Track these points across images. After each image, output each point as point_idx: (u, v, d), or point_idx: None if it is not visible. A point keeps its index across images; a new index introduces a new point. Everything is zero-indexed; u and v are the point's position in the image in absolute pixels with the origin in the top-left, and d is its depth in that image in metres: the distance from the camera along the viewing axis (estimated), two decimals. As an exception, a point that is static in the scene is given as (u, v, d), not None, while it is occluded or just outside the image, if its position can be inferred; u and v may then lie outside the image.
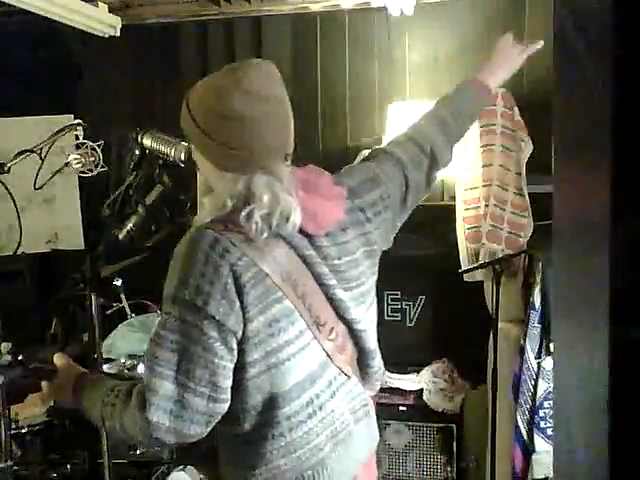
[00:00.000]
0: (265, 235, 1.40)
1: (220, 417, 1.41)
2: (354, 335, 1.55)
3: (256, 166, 1.43)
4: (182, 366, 1.35)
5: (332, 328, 1.50)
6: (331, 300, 1.50)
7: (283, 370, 1.42)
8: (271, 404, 1.43)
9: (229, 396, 1.40)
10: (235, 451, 1.50)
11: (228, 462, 1.54)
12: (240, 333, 1.37)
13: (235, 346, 1.38)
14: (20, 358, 1.69)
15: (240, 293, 1.36)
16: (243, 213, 1.40)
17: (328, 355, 1.49)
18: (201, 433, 1.40)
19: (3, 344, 1.73)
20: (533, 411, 2.67)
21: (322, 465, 1.48)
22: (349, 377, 1.54)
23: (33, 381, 1.68)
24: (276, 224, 1.41)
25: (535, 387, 2.67)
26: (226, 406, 1.40)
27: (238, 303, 1.36)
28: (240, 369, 1.40)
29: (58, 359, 1.64)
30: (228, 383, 1.39)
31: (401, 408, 3.20)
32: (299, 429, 1.45)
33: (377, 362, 1.60)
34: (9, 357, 1.69)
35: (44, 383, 1.64)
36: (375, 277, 1.65)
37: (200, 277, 1.35)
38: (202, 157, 1.48)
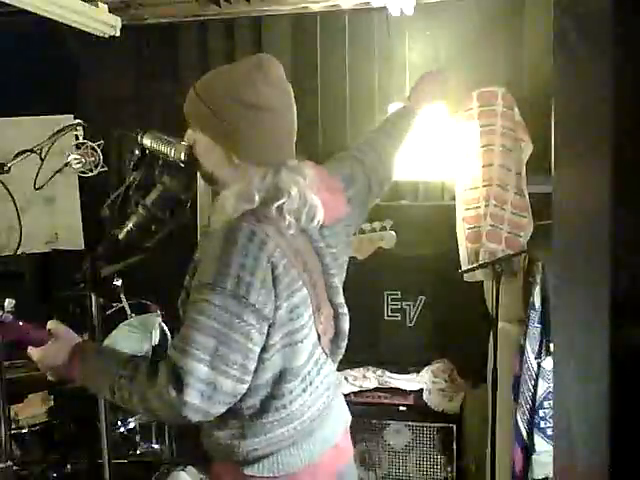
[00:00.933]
0: (293, 230, 1.50)
1: (239, 396, 1.47)
2: (337, 318, 1.66)
3: (277, 155, 1.53)
4: (219, 351, 1.40)
5: (323, 313, 1.61)
6: (329, 287, 1.62)
7: (295, 350, 1.53)
8: (280, 379, 1.53)
9: (251, 377, 1.47)
10: (236, 423, 1.56)
11: (225, 436, 1.57)
12: (271, 319, 1.46)
13: (266, 331, 1.46)
14: (21, 323, 1.65)
15: (275, 283, 1.45)
16: (274, 206, 1.48)
17: (319, 337, 1.60)
18: (220, 412, 1.45)
19: (7, 300, 1.71)
20: (533, 411, 2.67)
21: (310, 434, 1.60)
22: (327, 356, 1.66)
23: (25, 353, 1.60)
24: (304, 221, 1.52)
25: (535, 387, 2.66)
26: (247, 386, 1.47)
27: (273, 291, 1.45)
28: (262, 350, 1.48)
29: (52, 324, 1.63)
30: (254, 366, 1.46)
31: (401, 408, 3.19)
32: (296, 402, 1.56)
33: (345, 344, 1.71)
34: (10, 316, 1.65)
35: (32, 350, 1.59)
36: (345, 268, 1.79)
37: (241, 268, 1.41)
38: (218, 148, 1.53)
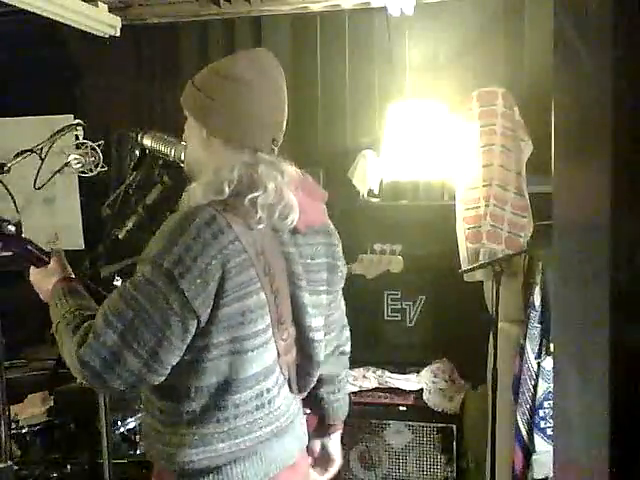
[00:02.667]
0: (262, 226, 1.43)
1: (146, 384, 1.42)
2: (305, 342, 1.56)
3: (247, 138, 1.47)
4: (133, 324, 1.36)
5: (286, 329, 1.52)
6: (295, 302, 1.52)
7: (245, 359, 1.44)
8: (225, 388, 1.44)
9: (166, 372, 1.40)
10: (175, 430, 1.47)
11: (162, 441, 1.49)
12: (205, 316, 1.38)
13: (192, 329, 1.38)
14: (23, 236, 1.70)
15: (224, 278, 1.37)
16: (247, 199, 1.42)
17: (279, 354, 1.51)
18: (122, 390, 1.40)
19: (11, 216, 1.76)
20: (533, 411, 2.67)
21: (256, 453, 1.50)
22: (285, 378, 1.56)
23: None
24: (276, 219, 1.45)
25: (535, 387, 2.66)
26: (158, 380, 1.40)
27: (212, 285, 1.36)
28: (203, 348, 1.41)
29: (56, 251, 1.68)
30: (170, 360, 1.39)
31: (401, 408, 3.19)
32: (244, 418, 1.46)
33: (317, 373, 1.62)
34: (13, 229, 1.71)
35: (32, 269, 1.67)
36: (330, 297, 1.65)
37: (186, 249, 1.35)
38: (195, 124, 1.50)
